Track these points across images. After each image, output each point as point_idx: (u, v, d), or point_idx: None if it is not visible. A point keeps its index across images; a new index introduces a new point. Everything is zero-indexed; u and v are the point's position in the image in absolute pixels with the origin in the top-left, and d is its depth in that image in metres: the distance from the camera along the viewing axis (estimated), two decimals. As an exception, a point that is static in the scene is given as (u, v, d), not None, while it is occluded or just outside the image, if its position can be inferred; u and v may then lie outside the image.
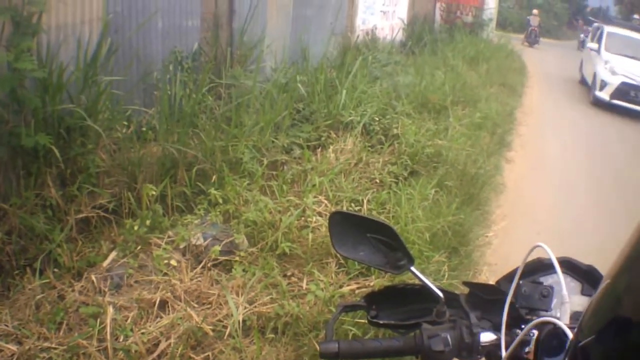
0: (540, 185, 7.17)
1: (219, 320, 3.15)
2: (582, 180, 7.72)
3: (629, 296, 0.67)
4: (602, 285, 0.74)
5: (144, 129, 4.73)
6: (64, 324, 3.00)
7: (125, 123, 4.52)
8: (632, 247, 0.69)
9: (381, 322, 1.32)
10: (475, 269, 4.56)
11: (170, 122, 4.61)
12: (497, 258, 4.76)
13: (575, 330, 0.75)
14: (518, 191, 6.65)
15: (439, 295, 1.23)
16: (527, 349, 1.13)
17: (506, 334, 1.14)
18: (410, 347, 1.16)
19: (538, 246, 1.15)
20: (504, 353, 1.12)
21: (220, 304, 3.27)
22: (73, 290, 3.21)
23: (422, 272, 1.29)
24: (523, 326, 1.13)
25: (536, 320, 1.01)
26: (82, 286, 3.26)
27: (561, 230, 5.65)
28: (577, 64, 18.26)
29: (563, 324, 0.91)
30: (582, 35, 35.44)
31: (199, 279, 3.47)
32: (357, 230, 1.32)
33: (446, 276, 3.93)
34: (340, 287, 3.57)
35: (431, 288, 1.24)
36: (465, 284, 1.30)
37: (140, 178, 4.06)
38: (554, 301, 1.24)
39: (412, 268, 1.25)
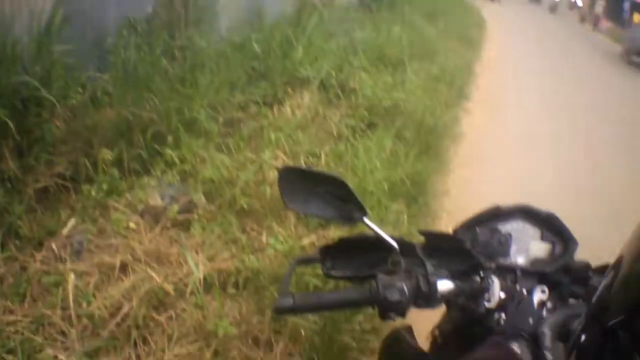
0: (497, 135, 7.28)
1: (180, 279, 3.18)
2: (536, 131, 7.86)
3: None
4: (625, 263, 0.75)
5: (99, 94, 4.70)
6: (27, 295, 3.00)
7: (80, 90, 4.49)
8: None
9: (336, 274, 1.32)
10: (434, 216, 4.66)
11: (124, 86, 4.56)
12: (455, 206, 4.85)
13: (593, 307, 0.78)
14: (476, 141, 6.73)
15: (392, 245, 1.22)
16: (486, 295, 1.17)
17: (464, 281, 1.16)
18: (367, 298, 1.14)
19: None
20: None
21: (181, 263, 3.31)
22: (35, 261, 3.21)
23: (381, 220, 1.30)
24: (482, 273, 1.17)
25: None
26: (43, 256, 3.26)
27: (517, 178, 5.78)
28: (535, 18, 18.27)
29: None
30: None
31: (158, 239, 3.50)
32: (307, 185, 1.28)
33: (405, 224, 4.00)
34: (300, 239, 3.62)
35: (384, 238, 1.23)
36: (421, 232, 1.28)
37: (96, 143, 4.03)
38: (513, 248, 1.27)
39: (365, 219, 1.24)
